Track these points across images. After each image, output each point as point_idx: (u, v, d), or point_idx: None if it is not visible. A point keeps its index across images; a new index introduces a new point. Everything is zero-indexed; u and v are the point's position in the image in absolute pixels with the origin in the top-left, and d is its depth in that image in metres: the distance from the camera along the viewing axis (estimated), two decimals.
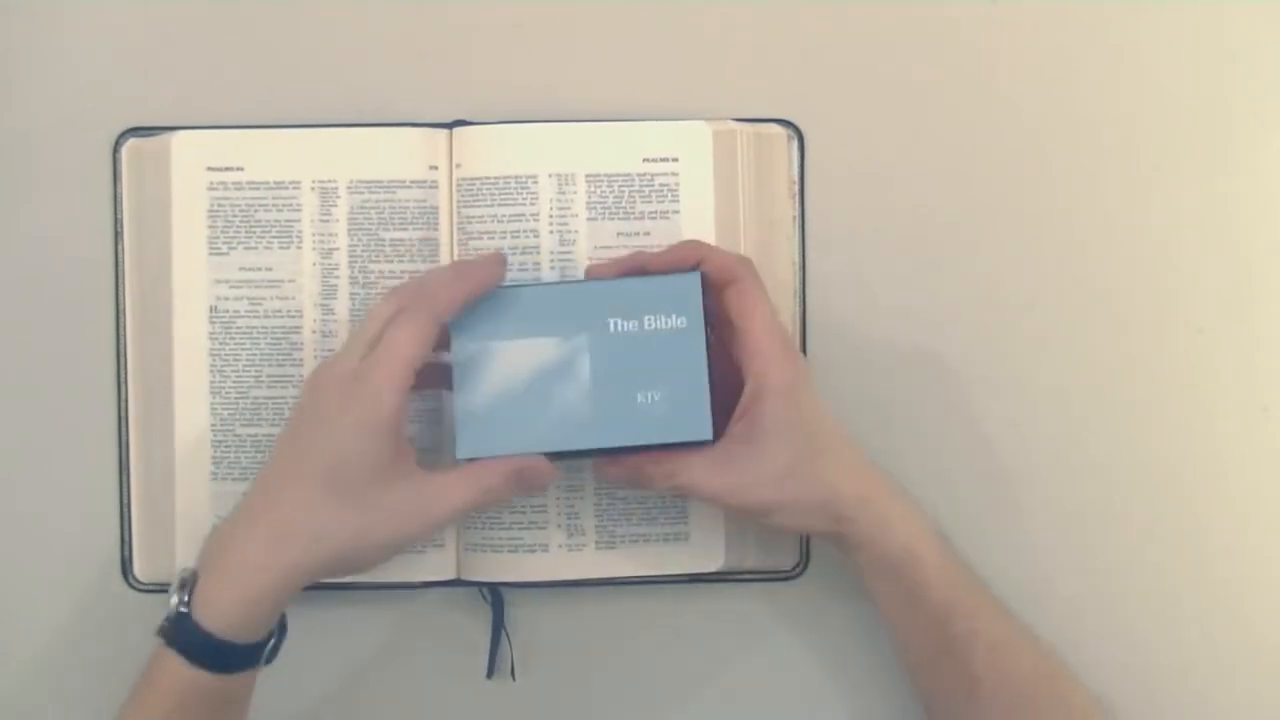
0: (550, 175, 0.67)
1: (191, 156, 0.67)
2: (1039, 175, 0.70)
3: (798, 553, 0.68)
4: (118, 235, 0.68)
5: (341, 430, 0.57)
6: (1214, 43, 0.70)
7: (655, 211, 0.67)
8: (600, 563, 0.67)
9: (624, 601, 0.69)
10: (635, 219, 0.67)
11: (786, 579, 0.68)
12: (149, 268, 0.68)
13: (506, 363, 0.61)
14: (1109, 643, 0.69)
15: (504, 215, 0.67)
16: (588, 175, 0.67)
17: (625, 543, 0.68)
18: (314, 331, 0.68)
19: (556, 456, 0.61)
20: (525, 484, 0.60)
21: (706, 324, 0.61)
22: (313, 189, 0.68)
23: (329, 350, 0.67)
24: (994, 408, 0.69)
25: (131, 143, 0.68)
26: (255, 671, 0.59)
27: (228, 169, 0.68)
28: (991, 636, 0.61)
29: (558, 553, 0.67)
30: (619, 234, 0.67)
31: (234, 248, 0.68)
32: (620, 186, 0.67)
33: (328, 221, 0.68)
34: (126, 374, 0.68)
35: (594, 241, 0.67)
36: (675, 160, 0.67)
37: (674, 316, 0.61)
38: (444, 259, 0.67)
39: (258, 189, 0.68)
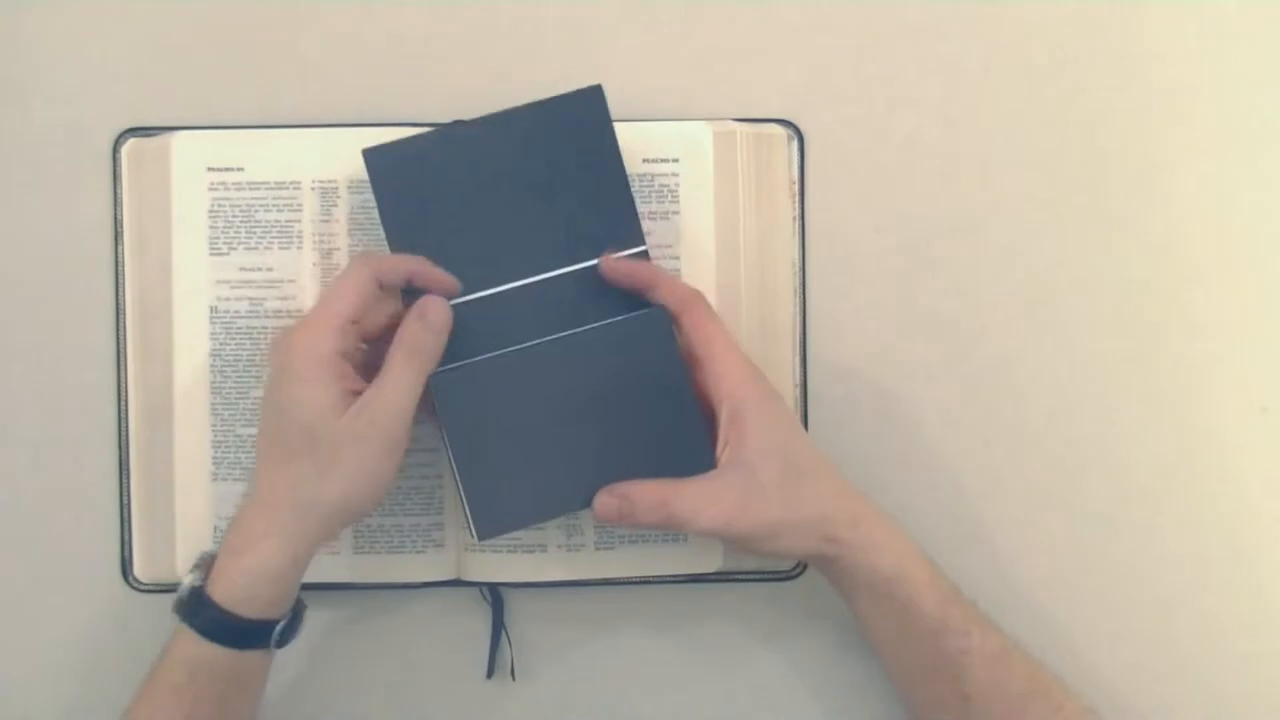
0: None
1: (191, 156, 0.68)
2: (1038, 175, 0.70)
3: None
4: (118, 235, 0.68)
5: (285, 388, 0.59)
6: (1215, 42, 0.70)
7: (655, 212, 0.67)
8: (599, 563, 0.67)
9: (623, 602, 0.69)
10: None
11: (785, 579, 0.68)
12: (149, 268, 0.68)
13: (498, 433, 0.62)
14: (1108, 646, 0.69)
15: None
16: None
17: (624, 543, 0.68)
18: None
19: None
20: (435, 325, 0.61)
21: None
22: (313, 189, 0.68)
23: None
24: (993, 407, 0.69)
25: (131, 143, 0.68)
26: (267, 655, 0.60)
27: (228, 169, 0.68)
28: (983, 652, 0.61)
29: (557, 553, 0.67)
30: None
31: (234, 248, 0.68)
32: None
33: (328, 222, 0.68)
34: (126, 374, 0.68)
35: None
36: (675, 161, 0.67)
37: (649, 353, 0.62)
38: None
39: (258, 189, 0.68)
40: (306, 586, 0.66)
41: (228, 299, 0.67)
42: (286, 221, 0.68)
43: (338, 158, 0.67)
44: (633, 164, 0.66)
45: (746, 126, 0.68)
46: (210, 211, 0.67)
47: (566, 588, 0.68)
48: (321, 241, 0.68)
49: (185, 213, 0.67)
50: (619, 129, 0.64)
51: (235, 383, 0.67)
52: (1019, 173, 0.70)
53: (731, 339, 0.62)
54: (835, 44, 0.70)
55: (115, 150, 0.68)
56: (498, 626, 0.68)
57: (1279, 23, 0.70)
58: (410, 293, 0.62)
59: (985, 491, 0.69)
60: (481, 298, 0.63)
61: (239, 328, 0.67)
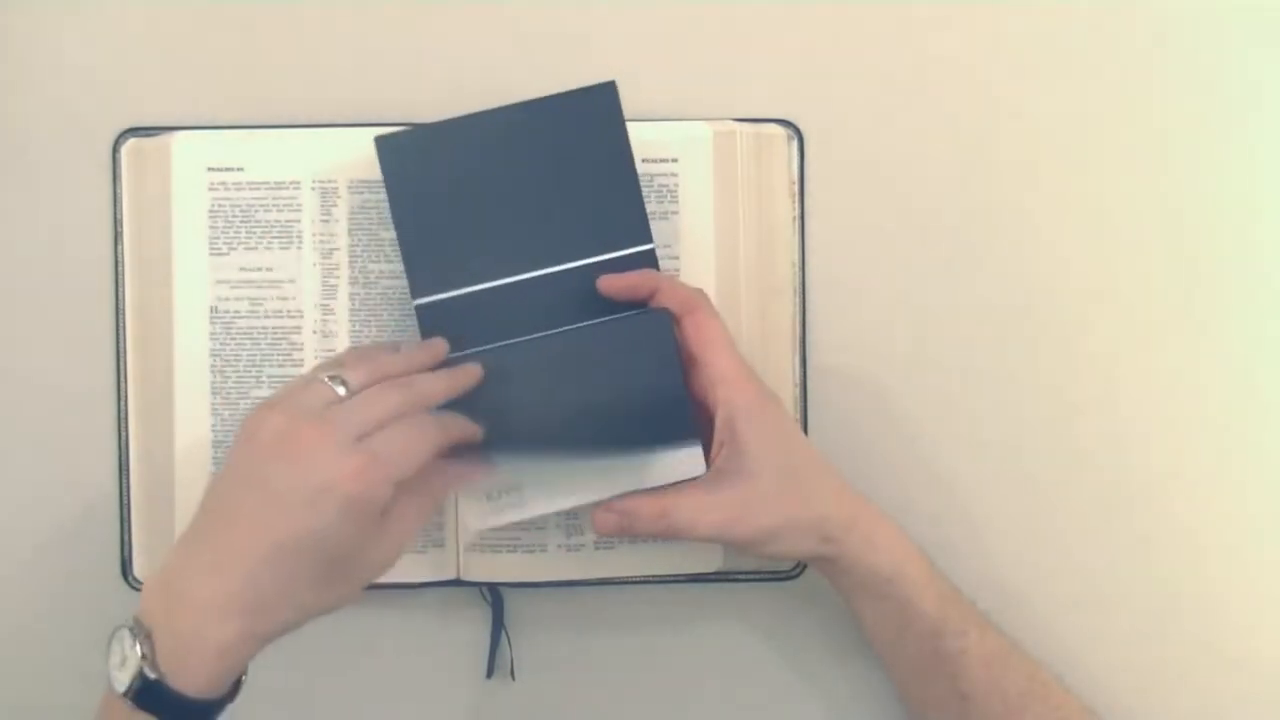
0: None
1: (191, 156, 0.68)
2: (1039, 175, 0.70)
3: None
4: (117, 235, 0.68)
5: (329, 508, 0.54)
6: (1215, 42, 0.70)
7: (655, 212, 0.67)
8: (599, 563, 0.67)
9: (623, 601, 0.69)
10: None
11: (785, 579, 0.68)
12: (149, 268, 0.68)
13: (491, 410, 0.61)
14: (1107, 647, 0.69)
15: None
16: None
17: (624, 543, 0.68)
18: (314, 331, 0.68)
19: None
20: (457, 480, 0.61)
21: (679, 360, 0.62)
22: (313, 189, 0.68)
23: (329, 350, 0.67)
24: (993, 407, 0.69)
25: (131, 143, 0.68)
26: None
27: (228, 169, 0.68)
28: (982, 652, 0.61)
29: (557, 553, 0.67)
30: None
31: (234, 248, 0.68)
32: None
33: (328, 221, 0.68)
34: (126, 374, 0.68)
35: None
36: (675, 161, 0.67)
37: (648, 357, 0.62)
38: None
39: (258, 189, 0.68)
40: None
41: (228, 299, 0.67)
42: (286, 221, 0.68)
43: (338, 158, 0.67)
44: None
45: (746, 126, 0.68)
46: (210, 211, 0.67)
47: (566, 588, 0.68)
48: (321, 241, 0.68)
49: (185, 213, 0.67)
50: None
51: (235, 383, 0.67)
52: (1019, 172, 0.70)
53: (730, 341, 0.62)
54: (835, 44, 0.70)
55: (115, 150, 0.68)
56: (498, 626, 0.68)
57: (1279, 22, 0.70)
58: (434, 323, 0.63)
59: (985, 491, 0.69)
60: (487, 289, 0.63)
61: (239, 328, 0.67)
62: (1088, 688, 0.65)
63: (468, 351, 0.62)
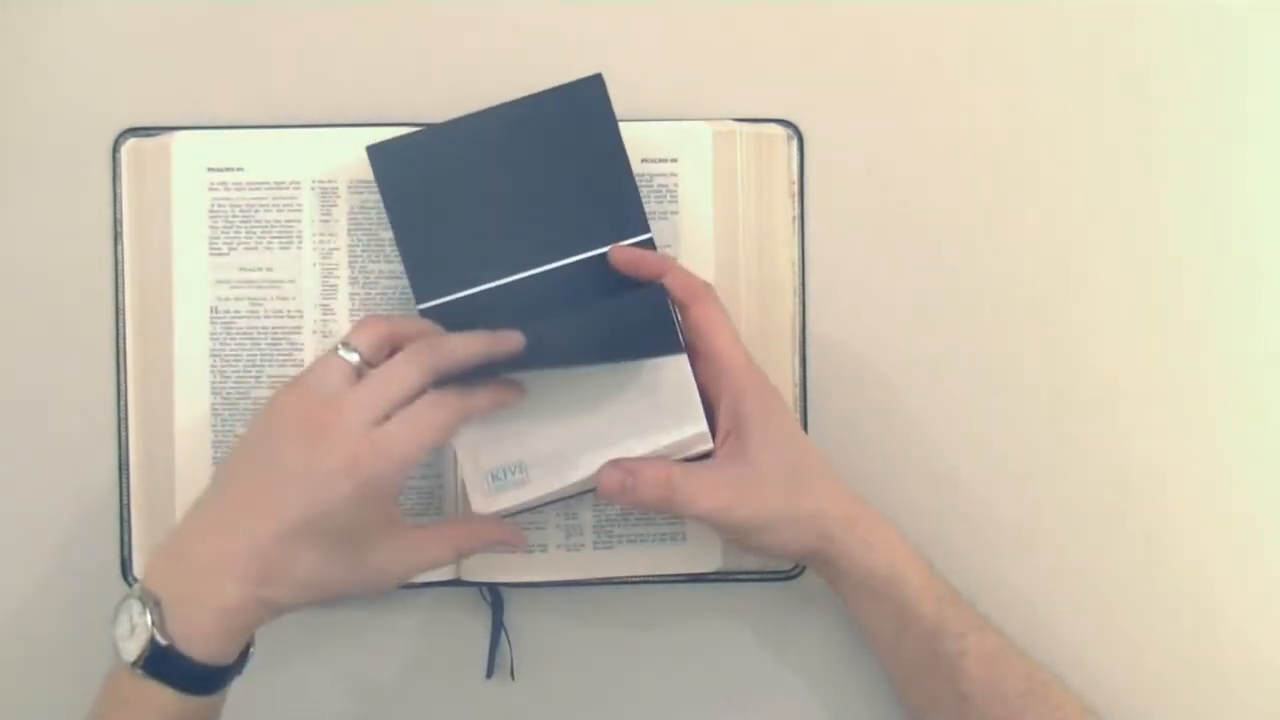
0: None
1: (191, 156, 0.68)
2: (1039, 175, 0.70)
3: None
4: (117, 235, 0.68)
5: (341, 490, 0.55)
6: (1216, 43, 0.70)
7: (654, 212, 0.67)
8: (598, 563, 0.67)
9: (622, 601, 0.69)
10: None
11: (785, 579, 0.68)
12: (149, 268, 0.68)
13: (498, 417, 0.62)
14: (1108, 646, 0.69)
15: None
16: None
17: (623, 543, 0.68)
18: (314, 331, 0.68)
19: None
20: (496, 546, 0.63)
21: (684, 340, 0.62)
22: (313, 189, 0.68)
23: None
24: (993, 407, 0.69)
25: (131, 143, 0.68)
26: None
27: (228, 169, 0.68)
28: (980, 652, 0.61)
29: (556, 553, 0.67)
30: None
31: (234, 248, 0.68)
32: None
33: (328, 221, 0.68)
34: (126, 374, 0.68)
35: None
36: (674, 161, 0.67)
37: (649, 338, 0.62)
38: None
39: (258, 189, 0.68)
40: None
41: (228, 299, 0.67)
42: (286, 221, 0.68)
43: (338, 158, 0.67)
44: (632, 163, 0.66)
45: (746, 126, 0.68)
46: (210, 211, 0.67)
47: (566, 588, 0.68)
48: (321, 241, 0.68)
49: (185, 213, 0.67)
50: (619, 128, 0.64)
51: (235, 383, 0.67)
52: (1019, 172, 0.70)
53: (735, 332, 0.62)
54: (835, 44, 0.70)
55: (115, 150, 0.68)
56: (497, 626, 0.68)
57: (1278, 21, 0.70)
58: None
59: (985, 490, 0.69)
60: (489, 290, 0.64)
61: (239, 328, 0.67)
62: (1088, 687, 0.64)
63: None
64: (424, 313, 0.64)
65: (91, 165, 0.68)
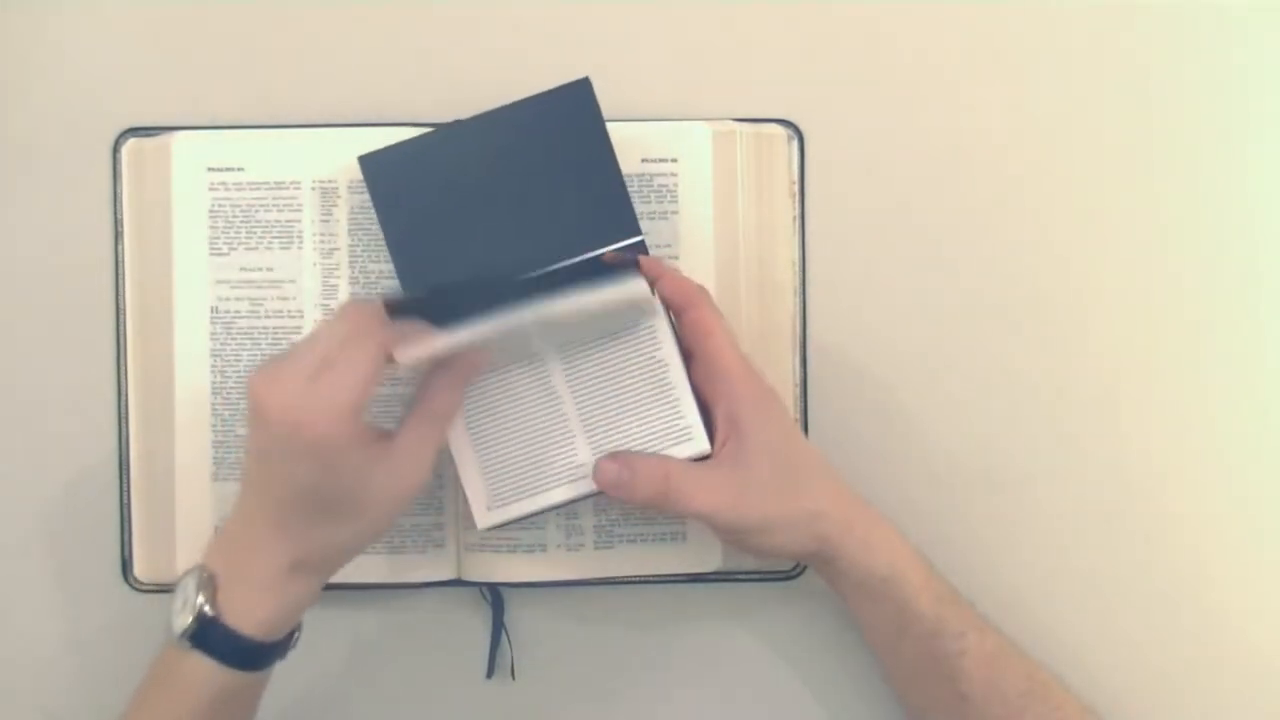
0: None
1: (191, 156, 0.68)
2: (1039, 175, 0.70)
3: None
4: (118, 235, 0.68)
5: (301, 465, 0.56)
6: (1215, 43, 0.70)
7: (654, 212, 0.67)
8: (599, 563, 0.67)
9: (622, 601, 0.69)
10: None
11: (784, 579, 0.68)
12: (149, 268, 0.68)
13: (486, 414, 0.62)
14: (1108, 646, 0.69)
15: None
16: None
17: (623, 543, 0.68)
18: None
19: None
20: (465, 379, 0.61)
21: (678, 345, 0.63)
22: (313, 189, 0.68)
23: None
24: (993, 407, 0.69)
25: (131, 143, 0.68)
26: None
27: (228, 169, 0.68)
28: (980, 653, 0.61)
29: (556, 553, 0.67)
30: None
31: (235, 248, 0.68)
32: None
33: (328, 222, 0.68)
34: (127, 374, 0.68)
35: None
36: (674, 161, 0.67)
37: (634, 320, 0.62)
38: None
39: (258, 189, 0.68)
40: None
41: (228, 299, 0.67)
42: (286, 221, 0.68)
43: (338, 158, 0.67)
44: (631, 164, 0.66)
45: (746, 126, 0.68)
46: (210, 211, 0.67)
47: (566, 588, 0.68)
48: (322, 241, 0.68)
49: (185, 213, 0.67)
50: (618, 129, 0.64)
51: (235, 383, 0.67)
52: (1019, 172, 0.70)
53: (731, 337, 0.62)
54: (835, 44, 0.70)
55: (115, 150, 0.68)
56: (498, 626, 0.68)
57: (1278, 22, 0.70)
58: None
59: (986, 490, 0.69)
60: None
61: (239, 328, 0.67)
62: (1088, 688, 0.64)
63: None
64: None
65: (91, 165, 0.68)
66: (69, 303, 0.68)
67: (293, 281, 0.68)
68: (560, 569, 0.67)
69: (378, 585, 0.68)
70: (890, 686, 0.66)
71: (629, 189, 0.64)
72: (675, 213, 0.67)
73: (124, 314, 0.68)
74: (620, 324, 0.62)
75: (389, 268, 0.67)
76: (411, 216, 0.64)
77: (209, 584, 0.57)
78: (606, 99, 0.64)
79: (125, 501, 0.68)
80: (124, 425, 0.68)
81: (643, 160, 0.67)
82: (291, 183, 0.68)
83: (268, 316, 0.68)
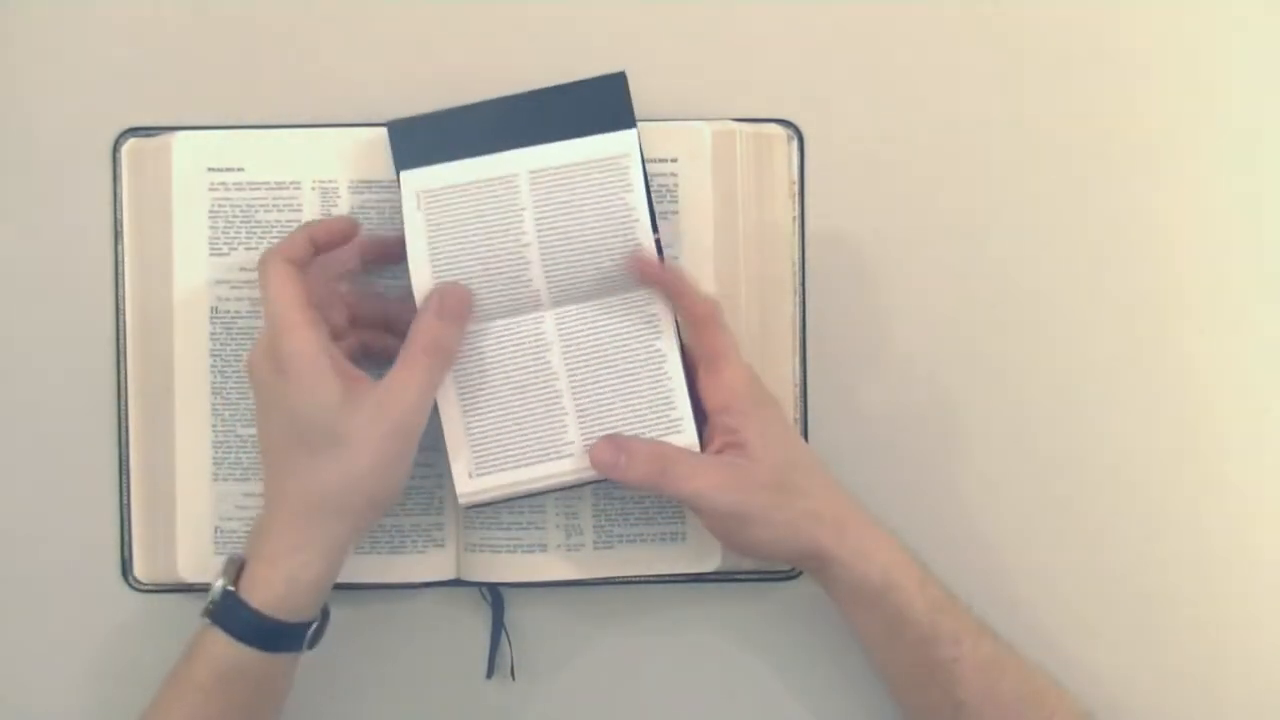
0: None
1: (191, 156, 0.67)
2: (1039, 175, 0.70)
3: None
4: (117, 235, 0.68)
5: (291, 397, 0.58)
6: (1215, 43, 0.70)
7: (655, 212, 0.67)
8: (598, 563, 0.67)
9: (622, 601, 0.69)
10: None
11: (783, 579, 0.68)
12: (149, 268, 0.68)
13: (479, 378, 0.63)
14: (1107, 648, 0.69)
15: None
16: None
17: (623, 543, 0.68)
18: None
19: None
20: (453, 314, 0.61)
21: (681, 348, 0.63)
22: (313, 189, 0.68)
23: None
24: (994, 407, 0.69)
25: (131, 143, 0.68)
26: (295, 658, 0.61)
27: (228, 169, 0.68)
28: (975, 658, 0.61)
29: (556, 553, 0.67)
30: None
31: (235, 248, 0.68)
32: None
33: None
34: (127, 374, 0.68)
35: None
36: (674, 161, 0.67)
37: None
38: None
39: (258, 189, 0.68)
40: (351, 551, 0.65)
41: (228, 299, 0.67)
42: (286, 221, 0.68)
43: (338, 158, 0.67)
44: None
45: (746, 126, 0.68)
46: (210, 212, 0.67)
47: (566, 588, 0.68)
48: None
49: (185, 213, 0.67)
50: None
51: (235, 383, 0.67)
52: (1019, 173, 0.70)
53: (738, 349, 0.63)
54: (835, 44, 0.70)
55: (115, 150, 0.68)
56: (498, 626, 0.68)
57: (1278, 23, 0.70)
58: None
59: (985, 492, 0.69)
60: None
61: (239, 328, 0.67)
62: (1088, 689, 0.64)
63: None
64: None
65: (91, 165, 0.68)
66: (69, 303, 0.68)
67: None
68: (560, 569, 0.67)
69: (378, 585, 0.68)
70: (887, 691, 0.66)
71: (650, 184, 0.64)
72: (675, 213, 0.67)
73: (124, 314, 0.68)
74: (608, 212, 0.62)
75: (388, 268, 0.67)
76: None
77: (233, 565, 0.59)
78: None
79: (125, 501, 0.68)
80: (124, 425, 0.68)
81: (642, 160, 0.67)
82: (291, 183, 0.68)
83: None
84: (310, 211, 0.67)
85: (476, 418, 0.63)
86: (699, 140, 0.68)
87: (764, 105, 0.69)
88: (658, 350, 0.63)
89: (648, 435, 0.63)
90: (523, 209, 0.62)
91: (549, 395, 0.63)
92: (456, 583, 0.68)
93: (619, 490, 0.67)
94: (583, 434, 0.63)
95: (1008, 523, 0.69)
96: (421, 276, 0.62)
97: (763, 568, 0.68)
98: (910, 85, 0.70)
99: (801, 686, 0.69)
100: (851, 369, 0.69)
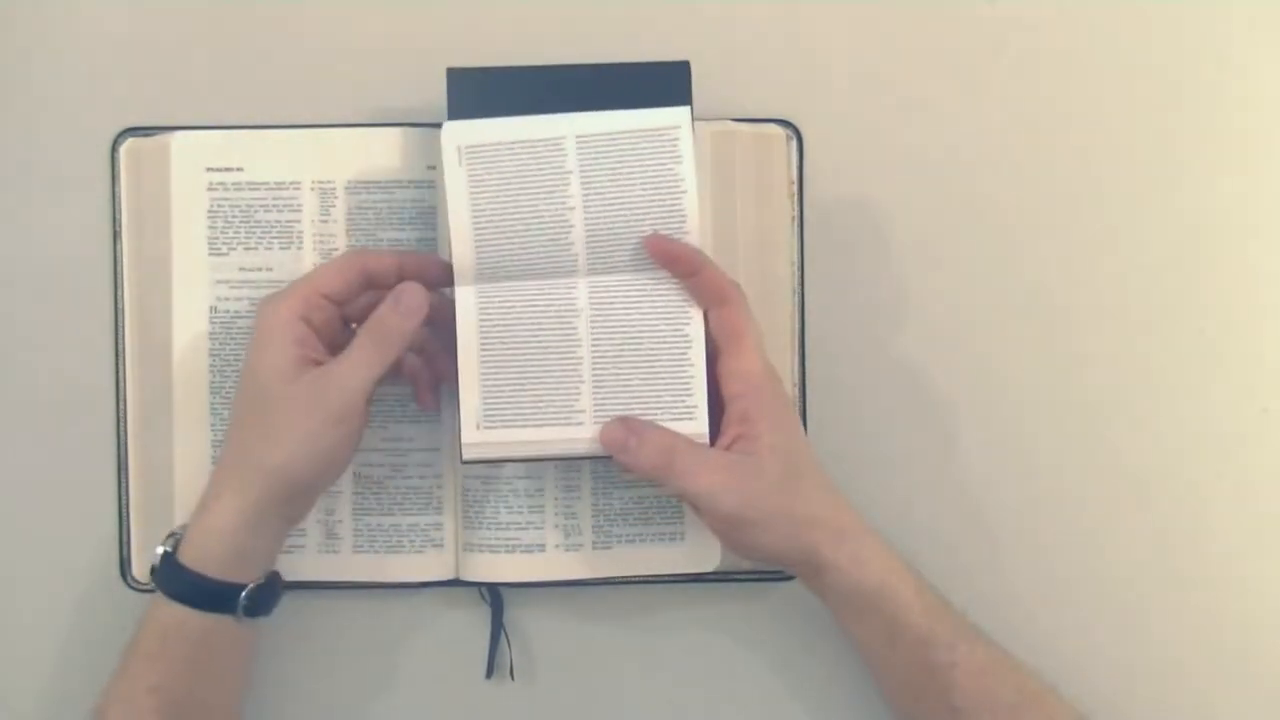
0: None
1: (191, 156, 0.68)
2: (1038, 176, 0.70)
3: None
4: (117, 235, 0.68)
5: (249, 352, 0.61)
6: (1215, 44, 0.70)
7: None
8: (597, 563, 0.67)
9: (621, 601, 0.69)
10: None
11: (782, 579, 0.68)
12: (149, 268, 0.68)
13: (504, 332, 0.62)
14: (1106, 649, 0.69)
15: None
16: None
17: (621, 543, 0.68)
18: None
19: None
20: (409, 311, 0.61)
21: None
22: (312, 189, 0.68)
23: None
24: (994, 407, 0.69)
25: (131, 143, 0.68)
26: (239, 625, 0.60)
27: (227, 169, 0.68)
28: (971, 664, 0.60)
29: (555, 553, 0.67)
30: None
31: (234, 248, 0.68)
32: None
33: (327, 222, 0.68)
34: (126, 373, 0.68)
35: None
36: None
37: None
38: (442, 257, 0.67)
39: (257, 189, 0.68)
40: (305, 585, 0.66)
41: (227, 299, 0.68)
42: (286, 222, 0.68)
43: (337, 158, 0.67)
44: None
45: (745, 126, 0.68)
46: (210, 212, 0.67)
47: (566, 588, 0.68)
48: (321, 241, 0.68)
49: (185, 213, 0.67)
50: None
51: (235, 383, 0.67)
52: (1019, 172, 0.70)
53: (758, 338, 0.62)
54: (835, 44, 0.70)
55: (114, 150, 0.68)
56: (497, 626, 0.68)
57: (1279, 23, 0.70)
58: None
59: (985, 491, 0.69)
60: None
61: (239, 328, 0.67)
62: (1088, 690, 0.64)
63: None
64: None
65: (91, 165, 0.68)
66: (68, 303, 0.68)
67: None
68: (559, 569, 0.67)
69: (377, 585, 0.68)
70: (883, 697, 0.66)
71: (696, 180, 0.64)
72: None
73: (123, 314, 0.68)
74: (655, 182, 0.62)
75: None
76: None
77: (173, 536, 0.61)
78: None
79: (124, 501, 0.68)
80: (123, 425, 0.68)
81: None
82: (291, 183, 0.68)
83: None
84: (310, 211, 0.67)
85: (494, 370, 0.62)
86: (698, 140, 0.67)
87: (763, 105, 0.69)
88: (684, 335, 0.63)
89: (661, 418, 0.62)
90: (569, 172, 0.62)
91: (570, 361, 0.62)
92: (455, 583, 0.68)
93: (618, 490, 0.67)
94: (595, 405, 0.62)
95: (1007, 523, 0.69)
96: (462, 232, 0.62)
97: (761, 568, 0.68)
98: (910, 85, 0.70)
99: (800, 686, 0.69)
100: (851, 369, 0.69)
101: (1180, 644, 0.69)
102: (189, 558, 0.59)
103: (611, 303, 0.63)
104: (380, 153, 0.68)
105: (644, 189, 0.62)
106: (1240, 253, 0.70)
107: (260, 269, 0.68)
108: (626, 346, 0.63)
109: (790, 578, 0.68)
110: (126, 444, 0.68)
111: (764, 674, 0.69)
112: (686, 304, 0.63)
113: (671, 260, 0.62)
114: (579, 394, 0.62)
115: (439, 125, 0.64)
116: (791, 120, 0.69)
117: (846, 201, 0.69)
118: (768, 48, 0.69)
